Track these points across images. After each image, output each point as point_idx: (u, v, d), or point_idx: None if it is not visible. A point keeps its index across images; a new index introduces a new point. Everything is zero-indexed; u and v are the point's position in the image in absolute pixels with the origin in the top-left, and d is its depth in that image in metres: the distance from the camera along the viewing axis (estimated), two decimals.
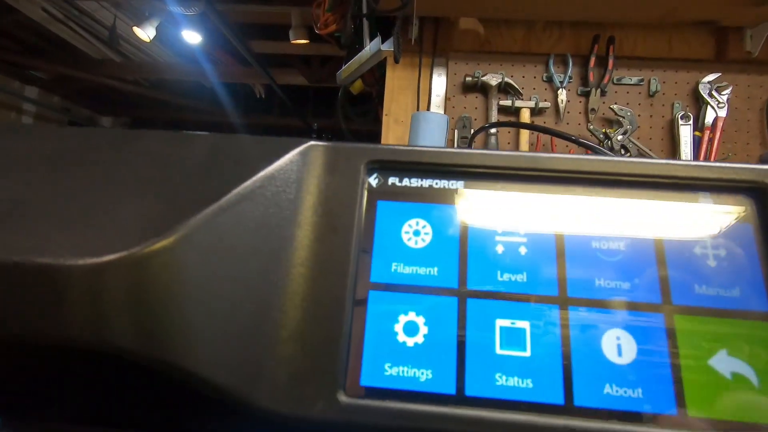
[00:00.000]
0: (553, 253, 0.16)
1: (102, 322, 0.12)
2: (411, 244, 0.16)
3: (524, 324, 0.15)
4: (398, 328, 0.15)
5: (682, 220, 0.16)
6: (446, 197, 0.17)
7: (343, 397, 0.14)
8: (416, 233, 0.16)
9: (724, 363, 0.14)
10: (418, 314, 0.15)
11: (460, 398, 0.14)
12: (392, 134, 1.07)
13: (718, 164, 0.16)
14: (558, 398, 0.14)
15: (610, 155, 0.41)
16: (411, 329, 0.15)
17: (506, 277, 0.16)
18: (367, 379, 0.15)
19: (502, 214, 0.17)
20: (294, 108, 2.47)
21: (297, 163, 0.16)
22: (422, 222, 0.17)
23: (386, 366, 0.15)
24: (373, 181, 0.17)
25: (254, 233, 0.15)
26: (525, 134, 0.98)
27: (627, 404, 0.14)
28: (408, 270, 0.16)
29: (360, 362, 0.15)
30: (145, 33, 1.77)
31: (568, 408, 0.14)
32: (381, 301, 0.16)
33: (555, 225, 0.16)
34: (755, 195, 0.16)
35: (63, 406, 0.16)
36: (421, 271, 0.16)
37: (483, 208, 0.17)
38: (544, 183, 0.17)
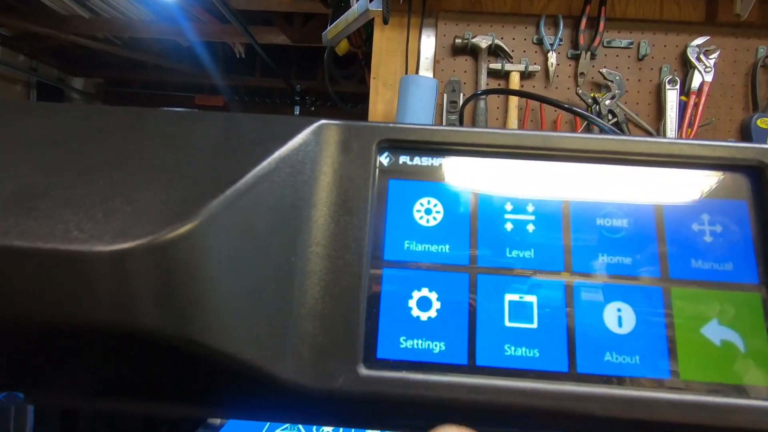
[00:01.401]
0: (559, 231, 0.16)
1: (130, 307, 0.13)
2: (423, 222, 0.17)
3: (531, 298, 0.16)
4: (412, 303, 0.16)
5: (681, 198, 0.17)
6: (457, 175, 0.17)
7: (362, 370, 0.15)
8: (428, 212, 0.17)
9: (714, 331, 0.15)
10: (431, 290, 0.16)
11: (472, 368, 0.15)
12: (380, 98, 1.05)
13: (716, 143, 0.17)
14: (563, 366, 0.15)
15: (600, 122, 0.42)
16: (424, 304, 0.16)
17: (515, 253, 0.16)
18: (384, 352, 0.16)
19: (510, 193, 0.17)
20: (276, 69, 2.39)
21: (310, 143, 0.16)
22: (433, 200, 0.17)
23: (402, 339, 0.16)
24: (385, 160, 0.17)
25: (272, 214, 0.15)
26: (514, 99, 0.98)
27: (625, 370, 0.15)
28: (420, 248, 0.17)
29: (377, 337, 0.16)
30: None
31: (571, 375, 0.15)
32: (395, 278, 0.16)
33: (561, 203, 0.17)
34: (751, 173, 0.17)
35: (81, 379, 0.16)
36: (433, 248, 0.17)
37: (492, 187, 0.17)
38: (553, 161, 0.17)
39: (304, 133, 0.16)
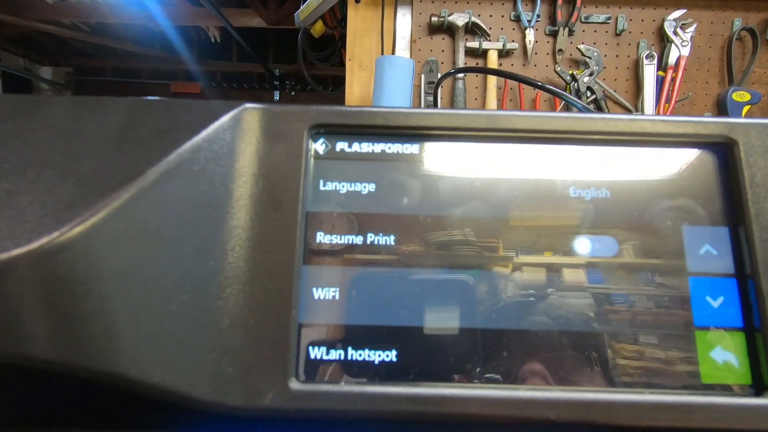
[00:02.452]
0: (504, 218, 0.15)
1: (8, 331, 0.11)
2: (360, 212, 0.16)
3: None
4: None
5: (647, 176, 0.16)
6: (400, 162, 0.16)
7: (295, 384, 0.14)
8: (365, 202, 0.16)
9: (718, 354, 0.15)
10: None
11: (413, 377, 0.14)
12: (357, 80, 1.03)
13: (681, 118, 0.16)
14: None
15: (574, 100, 0.41)
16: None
17: (456, 249, 0.15)
18: (319, 364, 0.14)
19: (458, 179, 0.16)
20: (254, 53, 2.33)
21: (229, 131, 0.14)
22: (370, 187, 0.16)
23: (338, 347, 0.14)
24: (320, 147, 0.16)
25: (183, 214, 0.13)
26: (492, 78, 0.96)
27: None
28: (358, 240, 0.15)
29: (311, 348, 0.14)
30: None
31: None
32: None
33: (510, 187, 0.16)
34: (718, 149, 0.16)
35: None
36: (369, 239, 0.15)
37: (439, 174, 0.16)
38: (504, 142, 0.16)
39: (222, 119, 0.14)
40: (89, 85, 2.72)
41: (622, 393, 0.14)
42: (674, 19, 0.94)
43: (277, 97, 2.65)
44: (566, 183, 0.16)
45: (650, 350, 0.15)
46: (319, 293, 0.15)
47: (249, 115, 0.15)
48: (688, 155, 0.16)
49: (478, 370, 0.14)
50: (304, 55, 1.27)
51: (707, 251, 0.15)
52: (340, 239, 0.15)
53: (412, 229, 0.15)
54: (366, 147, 0.16)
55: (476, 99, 0.98)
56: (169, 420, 0.14)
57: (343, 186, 0.16)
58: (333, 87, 2.40)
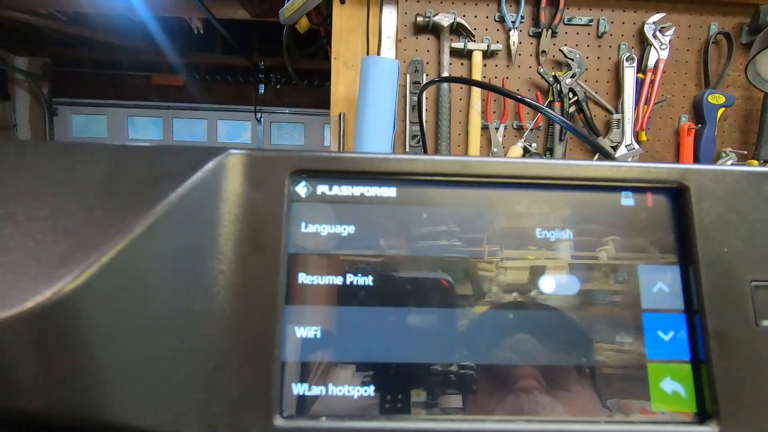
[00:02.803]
0: (475, 259, 0.17)
1: (8, 389, 0.12)
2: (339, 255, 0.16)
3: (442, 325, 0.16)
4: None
5: (606, 217, 0.17)
6: (378, 205, 0.17)
7: (279, 421, 0.15)
8: (344, 245, 0.16)
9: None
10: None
11: (388, 412, 0.15)
12: (342, 79, 1.03)
13: (640, 164, 0.17)
14: None
15: (552, 114, 0.42)
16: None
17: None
18: (302, 401, 0.15)
19: (433, 222, 0.17)
20: (238, 45, 2.29)
21: (214, 177, 0.15)
22: (350, 230, 0.17)
23: (320, 385, 0.15)
24: (301, 190, 0.16)
25: (169, 263, 0.14)
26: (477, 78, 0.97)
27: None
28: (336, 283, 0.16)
29: (294, 385, 0.15)
30: None
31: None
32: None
33: (480, 228, 0.17)
34: (671, 192, 0.17)
35: None
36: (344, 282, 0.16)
37: (415, 216, 0.17)
38: (475, 188, 0.17)
39: (206, 167, 0.15)
40: (67, 77, 2.64)
41: (582, 423, 0.15)
42: (654, 23, 0.96)
43: (262, 91, 2.62)
44: (533, 224, 0.17)
45: (607, 380, 0.16)
46: (300, 332, 0.15)
47: (232, 161, 0.15)
48: (645, 198, 0.17)
49: (454, 402, 0.15)
50: (289, 52, 1.26)
51: (660, 289, 0.17)
52: (321, 279, 0.16)
53: (389, 269, 0.16)
54: (346, 190, 0.17)
55: (461, 99, 0.99)
56: None
57: (323, 228, 0.16)
58: (318, 81, 2.38)
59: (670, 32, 0.96)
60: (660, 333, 0.16)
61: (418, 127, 0.96)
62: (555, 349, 0.16)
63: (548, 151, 1.00)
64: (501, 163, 0.17)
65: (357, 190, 0.17)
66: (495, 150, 0.98)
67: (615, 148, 0.97)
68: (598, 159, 0.99)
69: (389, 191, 0.17)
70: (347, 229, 0.17)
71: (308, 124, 2.70)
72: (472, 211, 0.17)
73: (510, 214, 0.17)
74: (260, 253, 0.15)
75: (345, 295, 0.16)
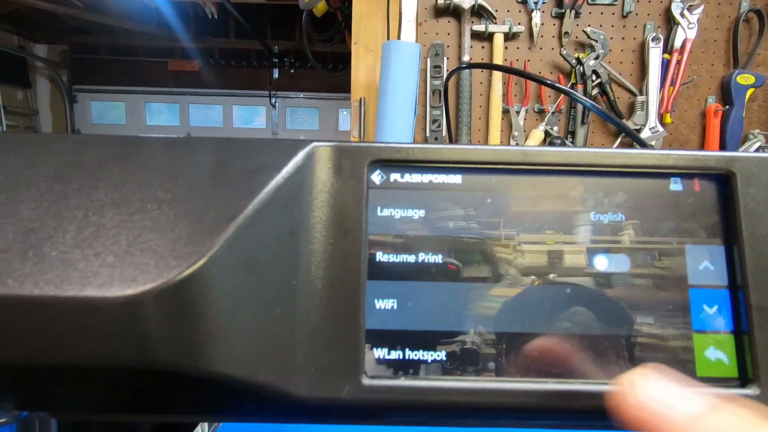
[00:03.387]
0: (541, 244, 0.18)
1: (148, 346, 0.14)
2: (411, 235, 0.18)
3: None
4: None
5: (656, 201, 0.18)
6: (445, 191, 0.18)
7: (366, 380, 0.17)
8: (415, 225, 0.18)
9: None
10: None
11: (461, 371, 0.17)
12: (362, 63, 1.03)
13: (689, 153, 0.18)
14: None
15: (581, 98, 0.42)
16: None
17: (503, 267, 0.18)
18: (383, 364, 0.17)
19: (494, 209, 0.18)
20: (251, 29, 2.29)
21: (304, 168, 0.17)
22: (420, 214, 0.18)
23: (400, 348, 0.17)
24: (376, 178, 0.18)
25: (274, 242, 0.16)
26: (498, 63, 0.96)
27: None
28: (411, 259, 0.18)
29: (376, 349, 0.17)
30: None
31: None
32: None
33: (542, 218, 0.18)
34: (718, 179, 0.18)
35: (102, 398, 0.17)
36: (421, 259, 0.18)
37: (478, 202, 0.18)
38: (537, 175, 0.18)
39: (297, 158, 0.17)
40: (85, 64, 2.68)
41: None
42: (681, 1, 0.94)
43: (276, 75, 2.62)
44: (588, 209, 0.18)
45: (655, 349, 0.18)
46: (380, 304, 0.17)
47: (318, 152, 0.18)
48: (692, 184, 0.18)
49: (513, 365, 0.17)
50: (307, 36, 1.26)
51: (706, 267, 0.18)
52: (396, 258, 0.18)
53: (456, 248, 0.18)
54: (416, 178, 0.18)
55: (481, 83, 0.98)
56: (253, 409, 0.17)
57: (397, 212, 0.18)
58: (333, 65, 2.37)
59: (698, 10, 0.93)
60: (705, 307, 0.18)
61: (438, 112, 0.96)
62: (607, 321, 0.17)
63: (570, 134, 0.99)
64: (559, 152, 0.18)
65: (426, 178, 0.18)
66: (516, 134, 0.98)
67: (639, 131, 0.96)
68: (621, 142, 0.99)
69: (455, 178, 0.18)
70: (418, 213, 0.18)
71: (322, 109, 2.70)
72: (530, 196, 0.18)
73: (568, 198, 0.18)
74: (345, 235, 0.17)
75: (417, 272, 0.18)
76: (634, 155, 0.18)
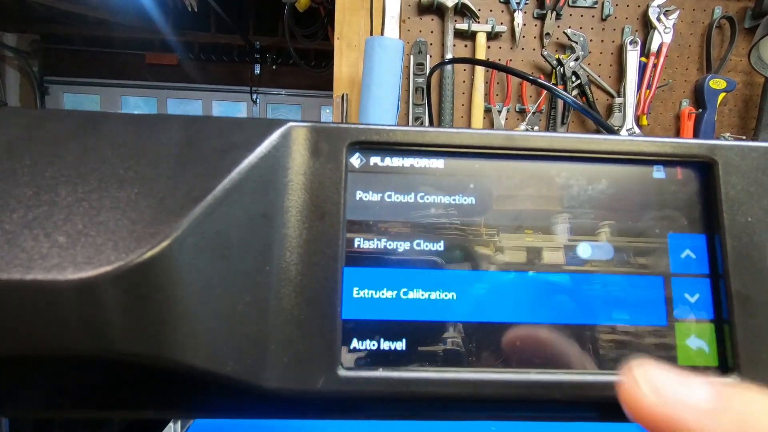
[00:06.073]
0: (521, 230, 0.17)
1: (105, 333, 0.13)
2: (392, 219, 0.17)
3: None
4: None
5: (639, 189, 0.18)
6: (426, 175, 0.18)
7: (342, 371, 0.16)
8: (395, 210, 0.17)
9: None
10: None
11: (442, 362, 0.16)
12: (345, 60, 1.02)
13: (671, 140, 0.18)
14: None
15: (563, 94, 0.42)
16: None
17: (479, 250, 0.17)
18: (360, 354, 0.16)
19: (477, 193, 0.18)
20: (232, 24, 2.25)
21: (279, 148, 0.16)
22: (401, 198, 0.18)
23: (377, 337, 0.16)
24: (356, 161, 0.17)
25: (245, 225, 0.15)
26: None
27: None
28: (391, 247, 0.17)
29: (353, 337, 0.16)
30: None
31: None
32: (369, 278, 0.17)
33: (525, 206, 0.18)
34: (700, 167, 0.18)
35: (56, 393, 0.16)
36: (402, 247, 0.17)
37: (460, 186, 0.18)
38: (521, 160, 0.18)
39: (272, 137, 0.16)
40: (57, 54, 2.58)
41: (610, 375, 0.17)
42: (658, 6, 0.96)
43: (258, 71, 2.58)
44: (572, 194, 0.18)
45: (634, 337, 0.17)
46: (358, 292, 0.17)
47: (295, 133, 0.17)
48: (675, 172, 0.18)
49: (482, 356, 0.17)
50: (290, 31, 1.24)
51: (687, 255, 0.18)
52: (375, 244, 0.17)
53: (437, 235, 0.17)
54: (397, 161, 0.18)
55: (464, 81, 0.99)
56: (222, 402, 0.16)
57: (377, 197, 0.17)
58: (315, 61, 2.35)
59: (674, 15, 0.96)
60: (686, 295, 0.18)
61: (420, 109, 0.96)
62: (587, 310, 0.17)
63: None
64: (543, 137, 0.18)
65: (407, 162, 0.18)
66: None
67: (616, 132, 0.98)
68: None
69: (438, 163, 0.18)
70: (398, 198, 0.17)
71: (305, 106, 2.68)
72: (515, 181, 0.18)
73: (549, 188, 0.18)
74: (321, 219, 0.16)
75: (396, 259, 0.17)
76: (618, 141, 0.18)
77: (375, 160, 0.17)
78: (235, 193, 0.15)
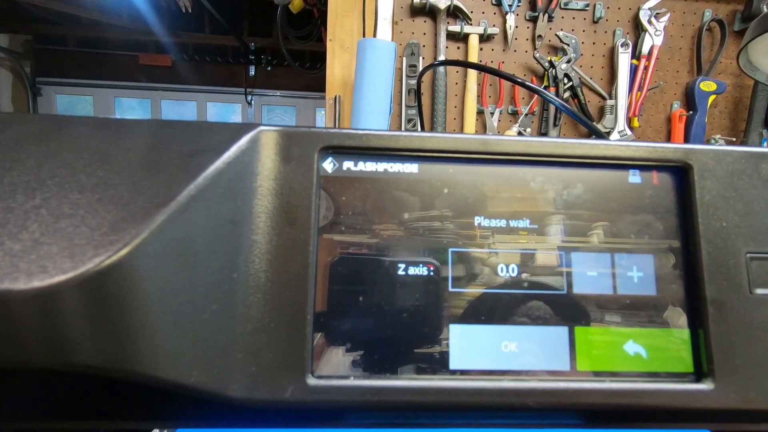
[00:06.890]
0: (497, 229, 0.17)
1: (61, 345, 0.12)
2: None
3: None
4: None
5: (614, 194, 0.18)
6: (400, 180, 0.18)
7: (312, 380, 0.16)
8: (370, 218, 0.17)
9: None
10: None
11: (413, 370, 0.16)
12: (338, 61, 1.02)
13: (647, 144, 0.18)
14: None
15: (552, 98, 0.42)
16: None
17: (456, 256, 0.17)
18: (330, 363, 0.16)
19: (453, 198, 0.18)
20: (227, 25, 2.24)
21: (248, 153, 0.16)
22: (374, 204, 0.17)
23: (348, 347, 0.16)
24: (329, 166, 0.17)
25: (211, 232, 0.15)
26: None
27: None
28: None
29: (324, 346, 0.16)
30: None
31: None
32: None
33: (503, 206, 0.18)
34: (677, 172, 0.18)
35: (22, 405, 0.16)
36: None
37: (436, 192, 0.18)
38: (496, 165, 0.18)
39: (241, 142, 0.16)
40: (50, 55, 2.57)
41: (587, 381, 0.16)
42: (649, 9, 0.96)
43: (253, 72, 2.57)
44: (548, 199, 0.18)
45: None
46: (328, 299, 0.16)
47: (264, 137, 0.16)
48: (651, 177, 0.18)
49: (458, 364, 0.17)
50: (283, 32, 1.24)
51: (661, 261, 0.18)
52: (347, 251, 0.17)
53: (411, 241, 0.17)
54: (370, 166, 0.17)
55: (457, 83, 0.99)
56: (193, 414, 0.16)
57: (349, 202, 0.17)
58: (310, 63, 2.35)
59: (665, 18, 0.96)
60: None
61: (413, 111, 0.96)
62: (564, 315, 0.17)
63: (542, 135, 1.01)
64: (519, 141, 0.18)
65: (381, 167, 0.17)
66: (489, 134, 0.99)
67: (608, 134, 0.98)
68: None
69: (412, 167, 0.18)
70: (371, 204, 0.17)
71: (300, 107, 2.67)
72: (490, 187, 0.18)
73: (525, 189, 0.18)
74: (292, 225, 0.16)
75: (368, 265, 0.17)
76: (594, 146, 0.18)
77: (348, 164, 0.17)
78: (201, 199, 0.15)
